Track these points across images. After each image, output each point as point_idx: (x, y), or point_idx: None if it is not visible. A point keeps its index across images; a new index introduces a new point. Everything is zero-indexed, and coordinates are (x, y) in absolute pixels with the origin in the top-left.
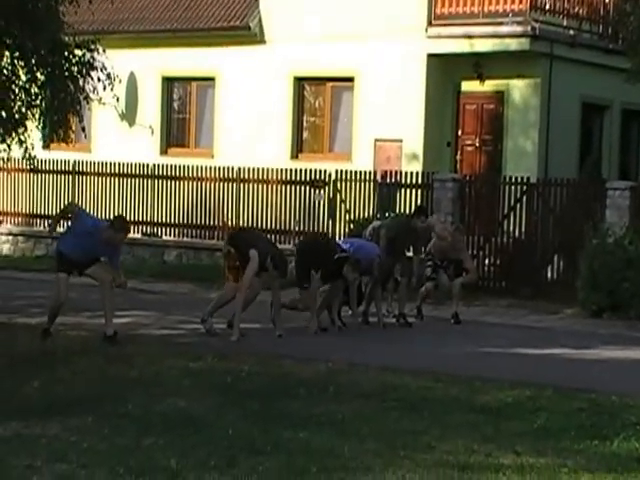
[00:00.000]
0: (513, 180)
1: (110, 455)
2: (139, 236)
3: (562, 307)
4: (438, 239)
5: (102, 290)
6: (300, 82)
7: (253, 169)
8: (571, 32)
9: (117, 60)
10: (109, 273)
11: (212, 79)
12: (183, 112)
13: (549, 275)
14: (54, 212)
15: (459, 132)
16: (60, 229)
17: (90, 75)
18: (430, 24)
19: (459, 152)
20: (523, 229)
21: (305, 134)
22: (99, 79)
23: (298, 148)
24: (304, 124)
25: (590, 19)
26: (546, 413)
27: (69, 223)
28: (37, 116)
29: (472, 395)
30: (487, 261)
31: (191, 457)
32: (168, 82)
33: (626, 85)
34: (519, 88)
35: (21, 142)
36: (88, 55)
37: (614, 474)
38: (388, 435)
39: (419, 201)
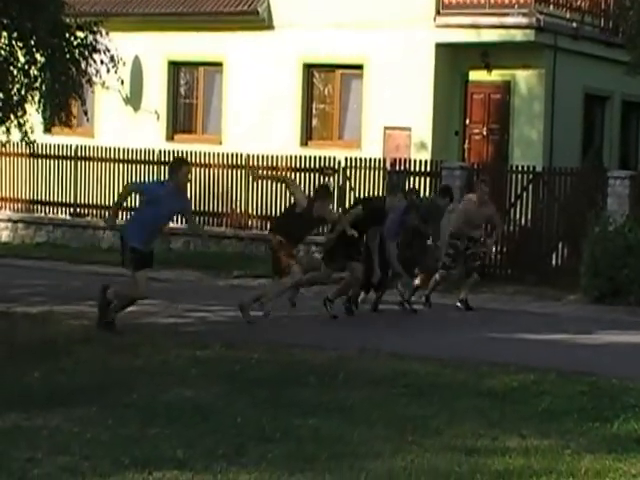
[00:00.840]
0: (520, 169)
1: (114, 446)
2: None
3: (566, 293)
4: (466, 207)
5: (133, 290)
6: (309, 69)
7: (262, 156)
8: (574, 25)
9: (121, 43)
10: (145, 285)
11: (220, 64)
12: (190, 97)
13: (554, 262)
14: (55, 199)
15: (467, 121)
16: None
17: (93, 58)
18: (438, 13)
19: (467, 141)
20: (529, 217)
21: (314, 121)
22: (102, 62)
23: (307, 135)
24: (313, 111)
25: (592, 12)
26: (550, 397)
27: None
28: (37, 99)
29: (479, 380)
30: (494, 249)
31: (198, 446)
32: (174, 66)
33: (626, 77)
34: (524, 78)
35: (20, 125)
36: (90, 37)
37: (614, 455)
38: (397, 421)
39: (427, 189)
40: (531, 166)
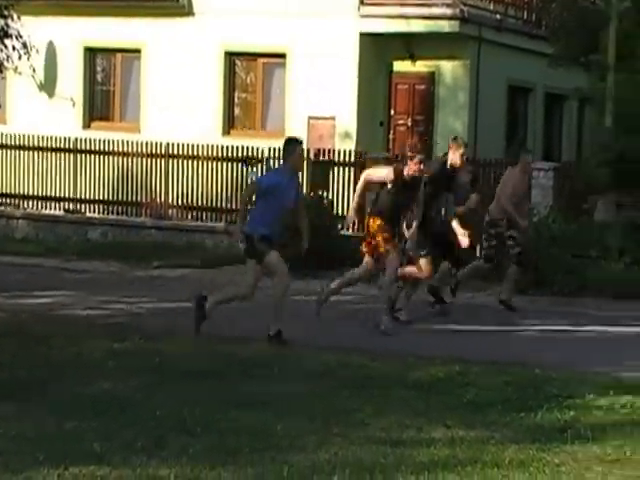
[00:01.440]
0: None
1: (29, 441)
2: (61, 213)
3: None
4: (513, 186)
5: (277, 283)
6: (231, 57)
7: (182, 145)
8: (498, 16)
9: (34, 28)
10: (285, 265)
11: (138, 51)
12: (107, 84)
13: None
14: None
15: (391, 111)
16: None
17: (4, 43)
18: (362, 3)
19: (392, 131)
20: None
21: (237, 110)
22: (14, 47)
23: (229, 124)
24: (235, 100)
25: (515, 5)
26: (475, 388)
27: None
28: None
29: (405, 372)
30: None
31: (117, 439)
32: (90, 53)
33: (549, 69)
34: (449, 69)
35: None
36: (1, 22)
37: (538, 444)
38: (322, 413)
39: (352, 180)
40: None
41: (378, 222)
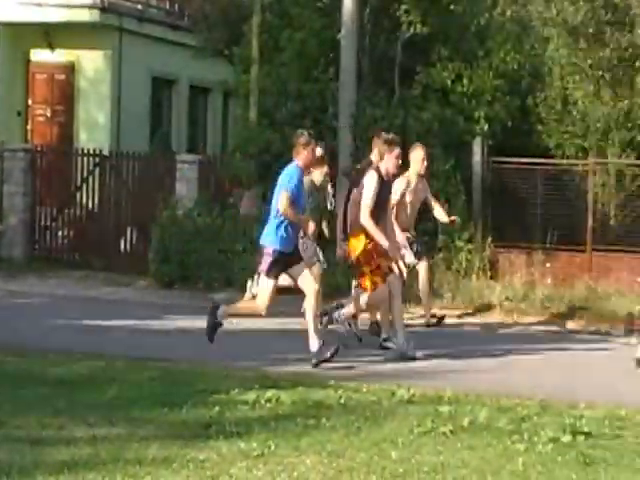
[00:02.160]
0: (86, 152)
1: None
2: None
3: (136, 279)
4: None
5: (308, 299)
6: None
7: None
8: (139, 7)
9: None
10: (314, 279)
11: None
12: None
13: (122, 247)
14: None
15: (29, 101)
16: None
17: None
18: None
19: (30, 122)
20: (96, 201)
21: None
22: None
23: None
24: None
25: None
26: (118, 384)
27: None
28: None
29: (45, 368)
30: (60, 233)
31: None
32: None
33: (193, 61)
34: (90, 59)
35: None
36: None
37: (182, 440)
38: None
39: None
40: (98, 149)
41: (366, 240)
